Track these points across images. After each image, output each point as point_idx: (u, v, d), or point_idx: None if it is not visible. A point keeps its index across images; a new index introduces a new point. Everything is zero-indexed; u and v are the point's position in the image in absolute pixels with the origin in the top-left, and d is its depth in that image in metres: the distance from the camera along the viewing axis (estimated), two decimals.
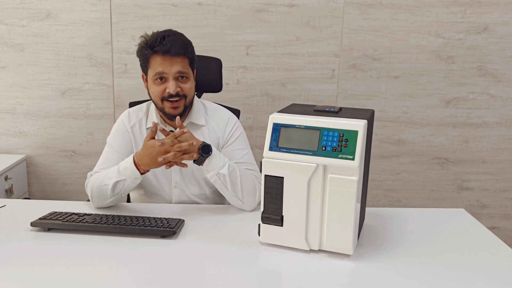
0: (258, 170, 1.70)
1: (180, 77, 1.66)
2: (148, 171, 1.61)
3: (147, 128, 1.76)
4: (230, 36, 2.53)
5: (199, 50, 2.52)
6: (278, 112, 1.39)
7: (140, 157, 1.57)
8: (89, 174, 1.72)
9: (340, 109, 1.41)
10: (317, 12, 2.51)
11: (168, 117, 1.71)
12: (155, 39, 1.62)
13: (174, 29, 2.51)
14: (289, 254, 1.35)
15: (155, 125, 1.58)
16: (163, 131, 1.59)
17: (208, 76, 2.04)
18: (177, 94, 1.64)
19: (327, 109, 1.40)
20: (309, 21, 2.53)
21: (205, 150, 1.57)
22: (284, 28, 2.53)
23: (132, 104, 1.96)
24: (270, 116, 1.35)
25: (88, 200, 1.72)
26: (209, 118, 1.79)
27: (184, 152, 1.54)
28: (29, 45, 2.51)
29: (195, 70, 1.75)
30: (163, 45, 1.61)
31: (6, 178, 2.41)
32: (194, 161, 1.59)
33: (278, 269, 1.29)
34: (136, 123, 1.76)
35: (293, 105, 1.50)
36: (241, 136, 1.79)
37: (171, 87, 1.63)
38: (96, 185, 1.62)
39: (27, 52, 2.52)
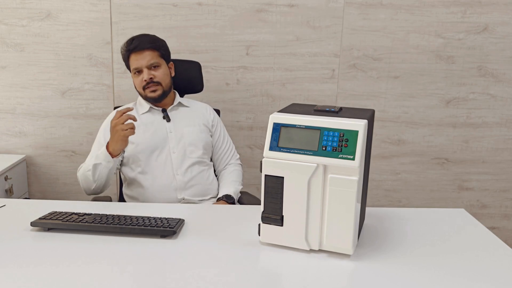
0: (236, 152, 2.16)
1: (152, 67, 1.96)
2: (118, 155, 1.84)
3: (140, 114, 2.01)
4: (230, 36, 2.53)
5: (199, 50, 2.53)
6: (278, 112, 1.39)
7: (109, 141, 1.82)
8: (80, 166, 1.92)
9: (341, 109, 1.41)
10: (317, 12, 2.51)
11: (151, 101, 2.00)
12: (126, 42, 1.98)
13: (174, 29, 2.53)
14: (289, 254, 1.35)
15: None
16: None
17: (189, 78, 2.25)
18: (152, 81, 1.95)
19: (328, 109, 1.40)
20: (309, 21, 2.53)
21: (229, 198, 1.94)
22: (284, 28, 2.53)
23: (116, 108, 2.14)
24: (270, 116, 1.35)
25: (88, 200, 1.73)
26: (191, 103, 2.13)
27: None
28: (29, 45, 2.51)
29: (171, 63, 2.07)
30: (133, 44, 1.95)
31: (6, 178, 2.41)
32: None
33: (278, 269, 1.29)
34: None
35: (293, 105, 1.50)
36: (222, 126, 2.15)
37: (145, 75, 1.94)
38: (82, 173, 1.88)
39: (27, 52, 2.52)
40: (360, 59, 2.58)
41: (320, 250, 1.35)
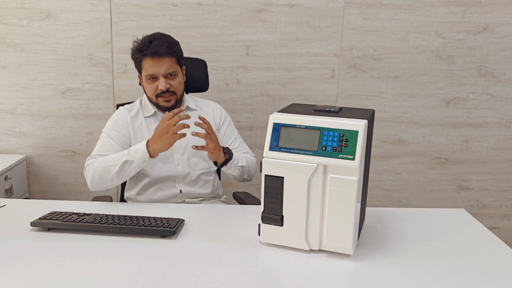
0: (248, 147, 2.04)
1: (169, 75, 1.84)
2: (156, 156, 1.73)
3: (145, 117, 1.92)
4: (230, 36, 2.53)
5: (199, 50, 2.53)
6: (278, 112, 1.39)
7: (152, 140, 1.70)
8: (88, 159, 1.81)
9: (341, 109, 1.41)
10: (317, 12, 2.51)
11: (162, 109, 1.90)
12: (143, 43, 1.82)
13: (174, 29, 2.52)
14: (289, 254, 1.35)
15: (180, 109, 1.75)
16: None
17: (194, 77, 2.16)
18: (167, 90, 1.84)
19: (328, 109, 1.40)
20: (309, 21, 2.53)
21: (229, 153, 1.79)
22: (284, 28, 2.53)
23: (119, 106, 2.06)
24: (270, 116, 1.35)
25: (88, 200, 1.73)
26: (199, 105, 2.01)
27: (206, 137, 1.69)
28: (29, 45, 2.51)
29: (184, 67, 1.94)
30: (150, 48, 1.80)
31: (6, 178, 2.41)
32: (216, 163, 1.79)
33: (278, 269, 1.29)
34: (134, 115, 1.92)
35: (293, 105, 1.51)
36: (231, 122, 2.04)
37: (161, 84, 1.82)
38: (101, 166, 1.73)
39: (27, 52, 2.52)
40: (360, 59, 2.58)
41: (320, 250, 1.35)
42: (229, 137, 1.99)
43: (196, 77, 2.17)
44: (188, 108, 1.95)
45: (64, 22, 2.49)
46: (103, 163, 1.73)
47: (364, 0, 2.50)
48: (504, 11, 2.52)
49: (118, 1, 2.47)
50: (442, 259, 1.34)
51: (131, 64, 2.52)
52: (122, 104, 2.06)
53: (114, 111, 2.59)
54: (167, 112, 1.73)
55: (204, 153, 1.86)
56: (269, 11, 2.51)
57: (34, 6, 2.47)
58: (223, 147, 1.77)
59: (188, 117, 1.68)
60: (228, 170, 1.82)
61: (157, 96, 1.85)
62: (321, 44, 2.55)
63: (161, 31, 2.34)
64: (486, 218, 2.79)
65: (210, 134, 1.69)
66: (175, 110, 1.69)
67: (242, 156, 1.89)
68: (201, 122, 1.69)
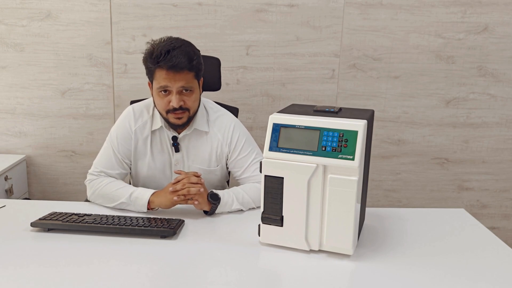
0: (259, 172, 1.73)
1: (184, 90, 1.65)
2: (155, 209, 1.66)
3: (152, 130, 1.76)
4: (230, 36, 2.53)
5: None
6: (278, 112, 1.39)
7: (156, 195, 1.63)
8: (90, 172, 1.75)
9: (340, 109, 1.41)
10: (317, 12, 2.51)
11: (171, 126, 1.74)
12: (159, 53, 1.60)
13: (174, 29, 2.51)
14: (289, 254, 1.35)
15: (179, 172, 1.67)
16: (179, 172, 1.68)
17: (206, 75, 1.99)
18: (180, 107, 1.65)
19: (327, 109, 1.40)
20: (309, 21, 2.53)
21: (214, 198, 1.62)
22: (284, 28, 2.53)
23: (133, 103, 1.93)
24: (270, 116, 1.35)
25: (88, 201, 1.73)
26: (212, 124, 1.80)
27: (191, 197, 1.59)
28: (29, 45, 2.51)
29: (201, 79, 1.76)
30: (167, 60, 1.59)
31: (6, 178, 2.41)
32: (206, 212, 1.64)
33: (278, 269, 1.29)
34: (141, 126, 1.77)
35: (293, 105, 1.51)
36: (246, 142, 1.81)
37: (174, 101, 1.64)
38: (102, 192, 1.68)
39: (27, 52, 2.52)
40: (360, 59, 2.58)
41: (320, 250, 1.35)
42: (240, 167, 1.80)
43: (208, 77, 2.01)
44: (196, 130, 1.77)
45: (64, 22, 2.49)
46: (104, 189, 1.68)
47: (364, 0, 2.50)
48: (504, 11, 2.52)
49: (118, 1, 2.47)
50: (442, 259, 1.34)
51: (131, 64, 2.55)
52: (134, 101, 1.94)
53: (114, 111, 2.62)
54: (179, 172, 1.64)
55: (205, 182, 1.73)
56: (269, 11, 2.51)
57: (34, 6, 2.47)
58: (208, 193, 1.62)
59: (198, 174, 1.64)
60: (222, 213, 1.68)
61: (168, 111, 1.67)
62: (321, 44, 2.55)
63: (161, 31, 2.30)
64: (486, 218, 2.79)
65: (201, 191, 1.59)
66: (192, 179, 1.59)
67: (236, 196, 1.68)
68: (198, 177, 1.62)
